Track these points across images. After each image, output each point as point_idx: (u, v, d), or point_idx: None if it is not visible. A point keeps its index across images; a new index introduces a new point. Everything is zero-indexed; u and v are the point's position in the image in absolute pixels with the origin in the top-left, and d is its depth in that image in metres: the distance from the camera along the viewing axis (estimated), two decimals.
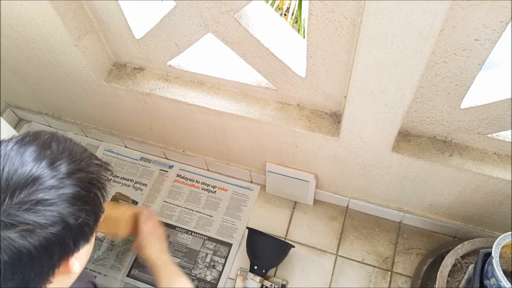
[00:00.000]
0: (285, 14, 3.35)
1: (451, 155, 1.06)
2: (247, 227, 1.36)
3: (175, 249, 1.41)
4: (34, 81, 1.42)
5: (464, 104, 0.94)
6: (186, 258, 1.39)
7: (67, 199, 0.55)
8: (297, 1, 3.18)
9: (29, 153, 0.56)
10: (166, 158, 1.64)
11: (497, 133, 1.01)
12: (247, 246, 1.33)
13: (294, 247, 1.31)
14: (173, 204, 1.52)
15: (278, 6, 3.31)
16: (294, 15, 3.23)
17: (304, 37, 0.94)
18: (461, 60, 0.83)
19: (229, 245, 1.41)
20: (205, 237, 1.43)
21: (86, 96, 1.38)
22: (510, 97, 0.89)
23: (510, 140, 1.01)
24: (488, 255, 0.99)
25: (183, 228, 1.46)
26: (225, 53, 1.10)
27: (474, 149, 1.07)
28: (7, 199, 0.51)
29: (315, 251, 1.39)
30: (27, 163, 0.54)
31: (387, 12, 0.69)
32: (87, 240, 0.61)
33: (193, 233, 1.45)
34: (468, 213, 1.25)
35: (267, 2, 2.97)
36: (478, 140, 1.04)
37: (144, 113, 1.36)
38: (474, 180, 1.08)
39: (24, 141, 0.58)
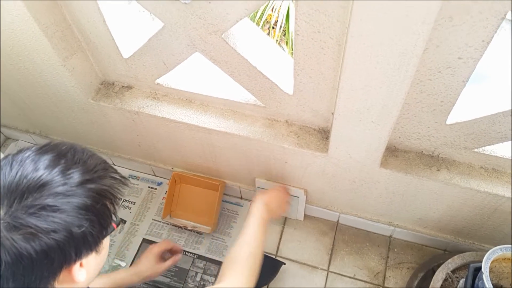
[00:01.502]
0: (273, 27, 3.39)
1: (438, 170, 1.07)
2: None
3: None
4: (21, 100, 1.41)
5: (450, 120, 0.96)
6: (176, 278, 1.37)
7: (73, 208, 0.56)
8: (285, 15, 3.22)
9: (43, 160, 0.58)
10: (155, 175, 1.63)
11: (483, 148, 1.02)
12: None
13: (285, 264, 1.30)
14: (162, 222, 1.50)
15: (266, 19, 3.35)
16: (282, 28, 3.27)
17: (292, 50, 0.95)
18: (446, 78, 0.84)
19: (219, 263, 1.39)
20: (195, 256, 1.42)
21: (73, 114, 1.37)
22: (494, 112, 0.90)
23: (496, 155, 1.02)
24: (478, 269, 0.99)
25: None
26: (213, 71, 1.10)
27: (461, 163, 1.08)
28: (15, 202, 0.53)
29: (306, 268, 1.38)
30: (40, 169, 0.57)
31: (371, 33, 0.70)
32: (90, 249, 0.61)
33: (182, 252, 1.43)
34: (458, 227, 1.26)
35: (255, 16, 3.00)
36: (464, 155, 1.05)
37: (133, 131, 1.35)
38: (462, 194, 1.09)
39: (42, 149, 0.60)
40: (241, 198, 1.55)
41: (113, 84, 1.28)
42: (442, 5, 0.65)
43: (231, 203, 1.54)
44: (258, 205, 1.11)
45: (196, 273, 1.38)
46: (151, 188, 1.60)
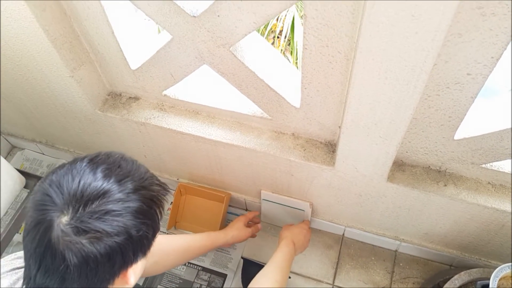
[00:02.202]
0: (278, 37, 3.41)
1: (445, 185, 1.07)
2: (242, 257, 1.34)
3: (168, 280, 1.39)
4: (28, 110, 1.42)
5: (458, 135, 0.95)
6: None
7: (131, 212, 0.61)
8: (290, 25, 3.24)
9: (101, 170, 0.63)
10: None
11: (491, 163, 1.02)
12: (242, 278, 1.31)
13: (290, 278, 1.29)
14: (167, 233, 1.49)
15: (271, 29, 3.37)
16: (287, 38, 3.29)
17: (297, 59, 0.95)
18: (454, 93, 0.84)
19: (224, 276, 1.38)
20: (199, 268, 1.41)
21: (80, 125, 1.38)
22: (502, 128, 0.90)
23: (504, 170, 1.02)
24: (485, 286, 0.98)
25: None
26: (220, 83, 1.11)
27: (468, 179, 1.07)
28: (81, 208, 0.58)
29: (312, 282, 1.37)
30: (99, 178, 0.62)
31: (380, 49, 0.70)
32: (144, 253, 0.66)
33: (187, 264, 1.42)
34: (464, 242, 1.25)
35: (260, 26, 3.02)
36: (472, 170, 1.05)
37: (139, 142, 1.36)
38: (469, 210, 1.08)
39: (97, 159, 0.66)
40: (246, 209, 1.55)
41: (121, 95, 1.29)
42: (452, 22, 0.65)
43: (236, 214, 1.54)
44: (288, 242, 1.19)
45: (201, 285, 1.37)
46: None
